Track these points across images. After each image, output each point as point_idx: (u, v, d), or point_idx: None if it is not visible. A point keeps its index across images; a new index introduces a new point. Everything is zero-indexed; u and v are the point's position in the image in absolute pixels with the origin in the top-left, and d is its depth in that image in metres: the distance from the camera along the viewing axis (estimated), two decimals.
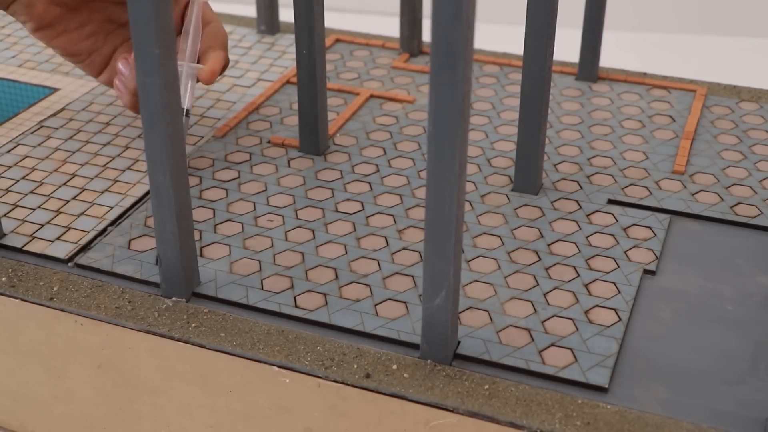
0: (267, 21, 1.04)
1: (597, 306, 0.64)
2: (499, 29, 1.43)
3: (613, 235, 0.71)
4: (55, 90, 0.93)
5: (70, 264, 0.68)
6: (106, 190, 0.77)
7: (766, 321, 0.63)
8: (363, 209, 0.74)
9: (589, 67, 0.93)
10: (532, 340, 0.61)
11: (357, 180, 0.78)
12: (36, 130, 0.85)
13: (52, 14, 0.79)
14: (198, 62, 0.78)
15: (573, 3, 1.05)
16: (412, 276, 0.66)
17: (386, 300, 0.64)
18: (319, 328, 0.62)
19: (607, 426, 0.55)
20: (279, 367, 0.59)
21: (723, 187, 0.77)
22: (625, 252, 0.69)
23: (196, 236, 0.70)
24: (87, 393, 0.59)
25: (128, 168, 0.80)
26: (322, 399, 0.58)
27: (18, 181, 0.78)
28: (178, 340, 0.62)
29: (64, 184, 0.77)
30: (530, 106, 0.73)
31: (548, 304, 0.64)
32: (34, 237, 0.71)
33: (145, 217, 0.73)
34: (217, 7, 1.22)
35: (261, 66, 0.97)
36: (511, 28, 1.29)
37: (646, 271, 0.68)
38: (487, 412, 0.56)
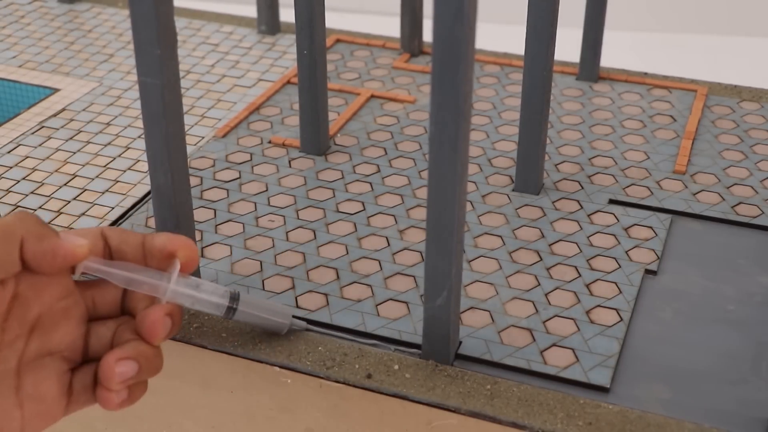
0: (268, 21, 1.04)
1: (598, 306, 0.64)
2: (499, 29, 1.43)
3: (614, 235, 0.71)
4: (55, 90, 0.93)
5: None
6: (106, 190, 0.77)
7: (767, 321, 0.63)
8: (364, 209, 0.74)
9: (589, 67, 0.93)
10: (534, 340, 0.61)
11: (358, 180, 0.78)
12: (36, 131, 0.85)
13: None
14: None
15: (574, 3, 1.05)
16: (414, 276, 0.66)
17: (387, 300, 0.64)
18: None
19: (609, 426, 0.55)
20: (280, 367, 0.59)
21: (724, 187, 0.77)
22: (626, 252, 0.69)
23: (197, 236, 0.70)
24: None
25: (129, 168, 0.80)
26: (324, 399, 0.58)
27: (19, 181, 0.78)
28: (180, 340, 0.62)
29: (65, 184, 0.77)
30: (531, 106, 0.73)
31: (549, 304, 0.64)
32: None
33: (146, 218, 0.73)
34: (217, 7, 1.22)
35: (262, 66, 0.97)
36: (512, 28, 1.29)
37: (648, 271, 0.68)
38: (488, 412, 0.56)
